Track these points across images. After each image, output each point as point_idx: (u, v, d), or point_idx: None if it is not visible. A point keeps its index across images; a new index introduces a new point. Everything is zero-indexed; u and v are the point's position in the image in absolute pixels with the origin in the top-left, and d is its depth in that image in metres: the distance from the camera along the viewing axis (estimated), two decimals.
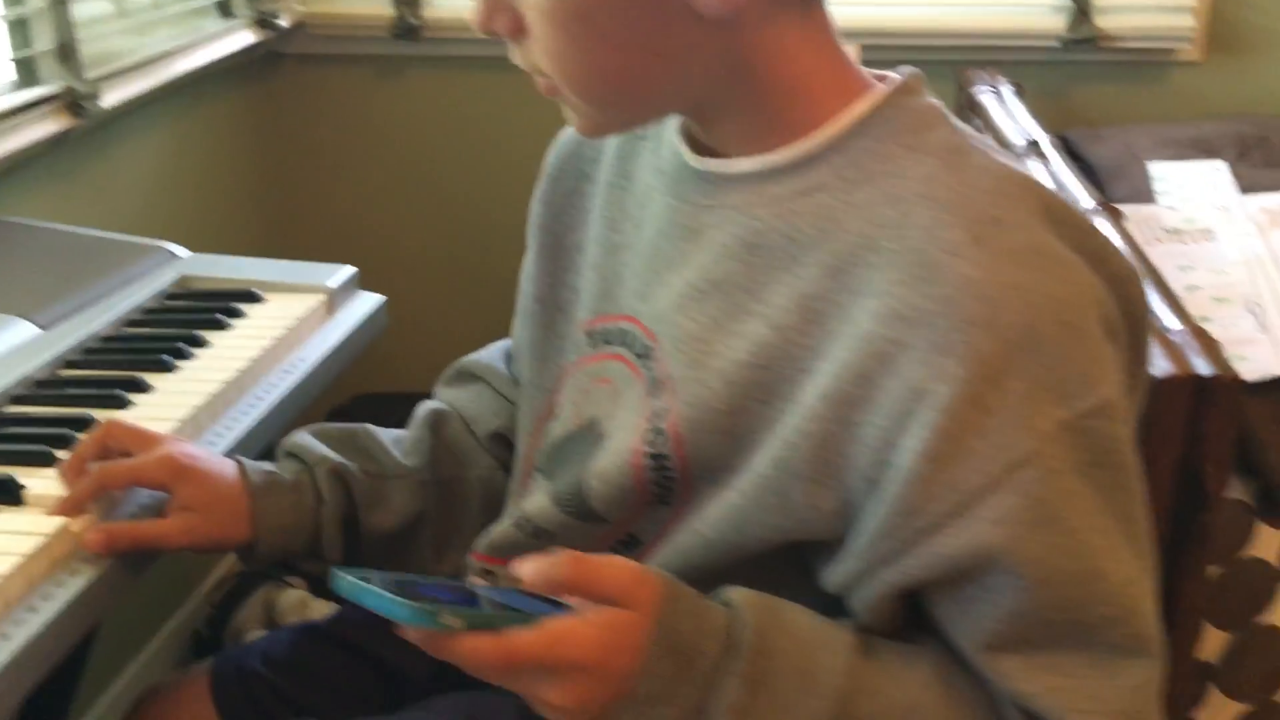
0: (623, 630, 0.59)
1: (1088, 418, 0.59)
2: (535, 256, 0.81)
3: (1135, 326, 0.65)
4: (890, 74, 0.67)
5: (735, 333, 0.65)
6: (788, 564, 0.66)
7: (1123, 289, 0.63)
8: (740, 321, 0.65)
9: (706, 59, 0.63)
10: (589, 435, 0.73)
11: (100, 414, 0.88)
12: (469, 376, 0.90)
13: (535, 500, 0.74)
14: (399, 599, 0.57)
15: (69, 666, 1.04)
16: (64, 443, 0.83)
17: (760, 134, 0.65)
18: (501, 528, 0.76)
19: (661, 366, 0.68)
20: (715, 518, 0.66)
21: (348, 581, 0.59)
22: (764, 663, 0.60)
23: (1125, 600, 0.61)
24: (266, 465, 0.83)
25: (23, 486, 0.79)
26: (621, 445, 0.68)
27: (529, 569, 0.60)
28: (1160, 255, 1.32)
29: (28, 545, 0.72)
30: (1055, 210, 0.62)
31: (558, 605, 0.60)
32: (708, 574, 0.65)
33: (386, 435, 0.87)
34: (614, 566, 0.61)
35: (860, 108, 0.64)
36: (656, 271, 0.70)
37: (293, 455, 0.84)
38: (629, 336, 0.72)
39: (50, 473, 0.80)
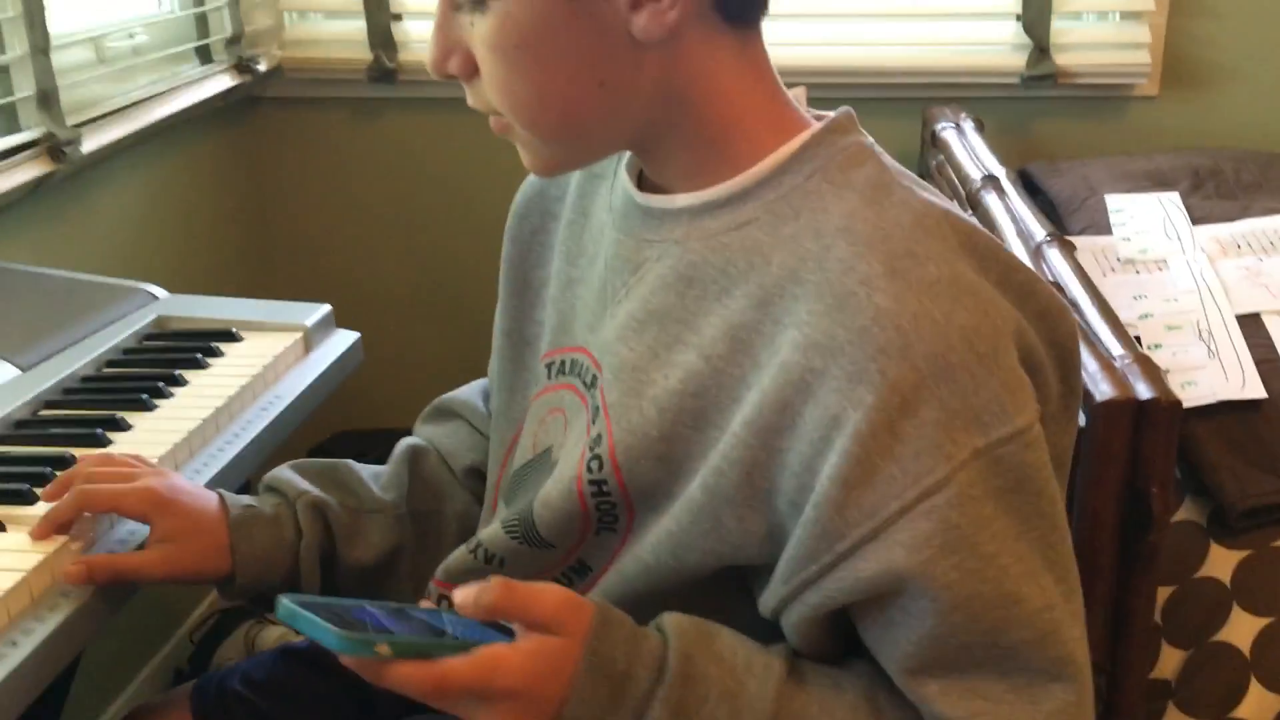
0: (551, 657, 0.61)
1: (1003, 445, 0.60)
2: (504, 292, 0.83)
3: (1066, 359, 0.66)
4: (829, 114, 0.69)
5: (670, 362, 0.67)
6: (731, 589, 0.68)
7: (1050, 323, 0.65)
8: (675, 351, 0.67)
9: (646, 90, 0.65)
10: (543, 464, 0.75)
11: (80, 453, 0.90)
12: (447, 413, 0.93)
13: (490, 527, 0.76)
14: (332, 628, 0.58)
15: (49, 703, 1.05)
16: (44, 482, 0.84)
17: (699, 170, 0.68)
18: (457, 554, 0.78)
19: (603, 395, 0.70)
20: (654, 543, 0.68)
21: (286, 608, 0.59)
22: (690, 688, 0.62)
23: (1044, 625, 0.61)
24: (247, 499, 0.84)
25: (2, 525, 0.80)
26: (565, 473, 0.70)
27: (461, 595, 0.62)
28: (1115, 284, 1.36)
29: (8, 581, 0.73)
30: (979, 246, 0.64)
31: (504, 631, 0.62)
32: (651, 599, 0.67)
33: (365, 470, 0.88)
34: (545, 593, 0.62)
35: (792, 145, 0.66)
36: (604, 304, 0.72)
37: (273, 489, 0.85)
38: (580, 367, 0.74)
39: (30, 512, 0.81)
